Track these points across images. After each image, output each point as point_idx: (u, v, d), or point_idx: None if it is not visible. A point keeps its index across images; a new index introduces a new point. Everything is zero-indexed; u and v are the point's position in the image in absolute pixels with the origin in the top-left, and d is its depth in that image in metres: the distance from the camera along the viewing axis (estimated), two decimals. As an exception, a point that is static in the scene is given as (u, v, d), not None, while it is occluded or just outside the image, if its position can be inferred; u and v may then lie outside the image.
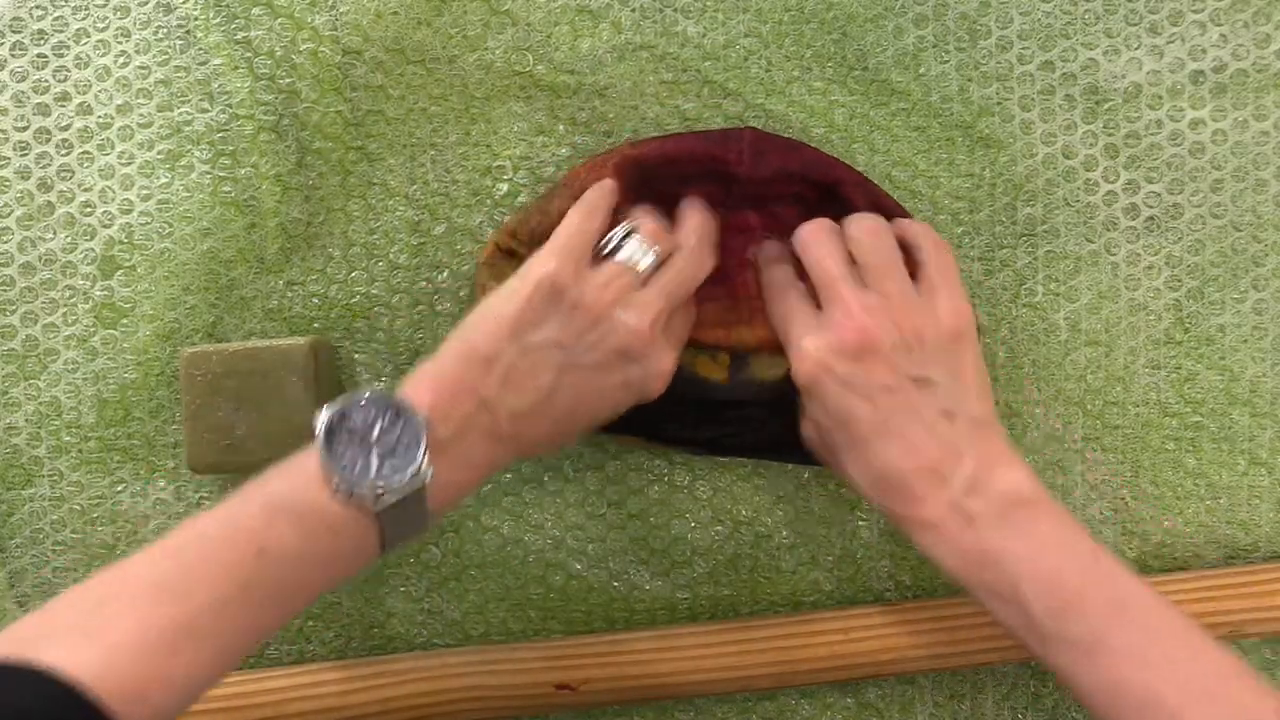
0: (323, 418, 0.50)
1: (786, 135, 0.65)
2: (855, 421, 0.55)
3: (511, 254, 0.63)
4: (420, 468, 0.50)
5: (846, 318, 0.56)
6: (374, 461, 0.50)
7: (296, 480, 0.50)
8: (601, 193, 0.60)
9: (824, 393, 0.56)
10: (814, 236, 0.60)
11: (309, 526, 0.49)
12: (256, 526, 0.49)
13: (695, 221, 0.60)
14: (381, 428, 0.51)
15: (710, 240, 0.61)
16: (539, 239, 0.62)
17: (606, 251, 0.58)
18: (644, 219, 0.59)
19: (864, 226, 0.60)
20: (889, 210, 0.63)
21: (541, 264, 0.56)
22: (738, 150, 0.62)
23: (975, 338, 0.58)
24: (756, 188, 0.63)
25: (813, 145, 0.65)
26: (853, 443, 0.56)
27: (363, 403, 0.51)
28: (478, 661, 0.65)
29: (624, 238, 0.58)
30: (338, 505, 0.50)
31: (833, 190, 0.63)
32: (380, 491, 0.50)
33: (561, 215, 0.61)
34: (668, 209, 0.63)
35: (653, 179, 0.62)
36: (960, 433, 0.55)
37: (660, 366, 0.57)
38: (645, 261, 0.57)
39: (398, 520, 0.51)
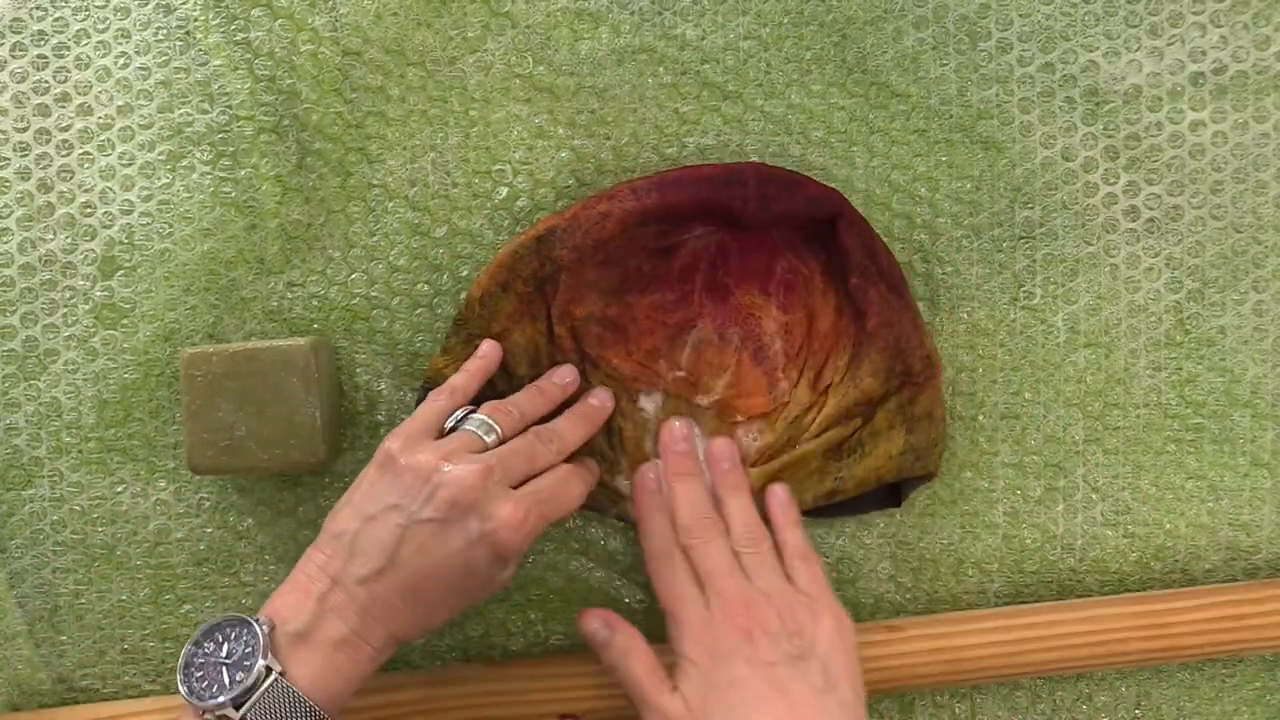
0: (181, 658, 0.55)
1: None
2: (739, 686, 0.57)
3: (506, 288, 0.63)
4: (262, 665, 0.53)
5: (734, 608, 0.59)
6: (224, 677, 0.53)
7: None
8: (471, 372, 0.61)
9: (709, 667, 0.58)
10: (696, 524, 0.62)
11: None
12: None
13: (560, 423, 0.61)
14: (229, 646, 0.54)
15: (564, 438, 0.61)
16: (539, 283, 0.63)
17: (453, 426, 0.59)
18: (488, 404, 0.60)
19: (742, 521, 0.62)
20: (878, 254, 0.64)
21: (382, 443, 0.58)
22: (743, 196, 0.62)
23: (854, 643, 0.60)
24: (759, 228, 0.64)
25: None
26: (732, 707, 0.57)
27: (212, 629, 0.55)
28: (480, 692, 0.64)
29: (465, 416, 0.59)
30: None
31: (831, 222, 0.63)
32: (237, 701, 0.53)
33: (560, 265, 0.62)
34: (665, 245, 0.64)
35: (655, 223, 0.63)
36: (833, 711, 0.57)
37: (500, 514, 0.55)
38: (488, 438, 0.58)
39: None
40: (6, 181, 0.65)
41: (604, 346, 0.64)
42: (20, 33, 0.65)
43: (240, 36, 0.64)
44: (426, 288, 0.66)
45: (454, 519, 0.55)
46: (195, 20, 0.65)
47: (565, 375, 0.63)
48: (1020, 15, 0.66)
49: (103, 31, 0.65)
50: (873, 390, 0.63)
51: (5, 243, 0.65)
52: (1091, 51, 0.66)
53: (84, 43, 0.65)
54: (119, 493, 0.66)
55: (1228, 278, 0.67)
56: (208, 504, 0.66)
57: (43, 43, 0.65)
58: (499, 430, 0.59)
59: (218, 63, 0.65)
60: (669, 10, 0.66)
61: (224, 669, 0.54)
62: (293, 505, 0.66)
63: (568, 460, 0.61)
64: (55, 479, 0.66)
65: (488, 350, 0.62)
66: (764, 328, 0.65)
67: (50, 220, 0.65)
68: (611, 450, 0.65)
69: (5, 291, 0.65)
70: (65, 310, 0.66)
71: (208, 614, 0.67)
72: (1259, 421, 0.67)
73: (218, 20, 0.64)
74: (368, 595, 0.55)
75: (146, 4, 0.65)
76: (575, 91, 0.66)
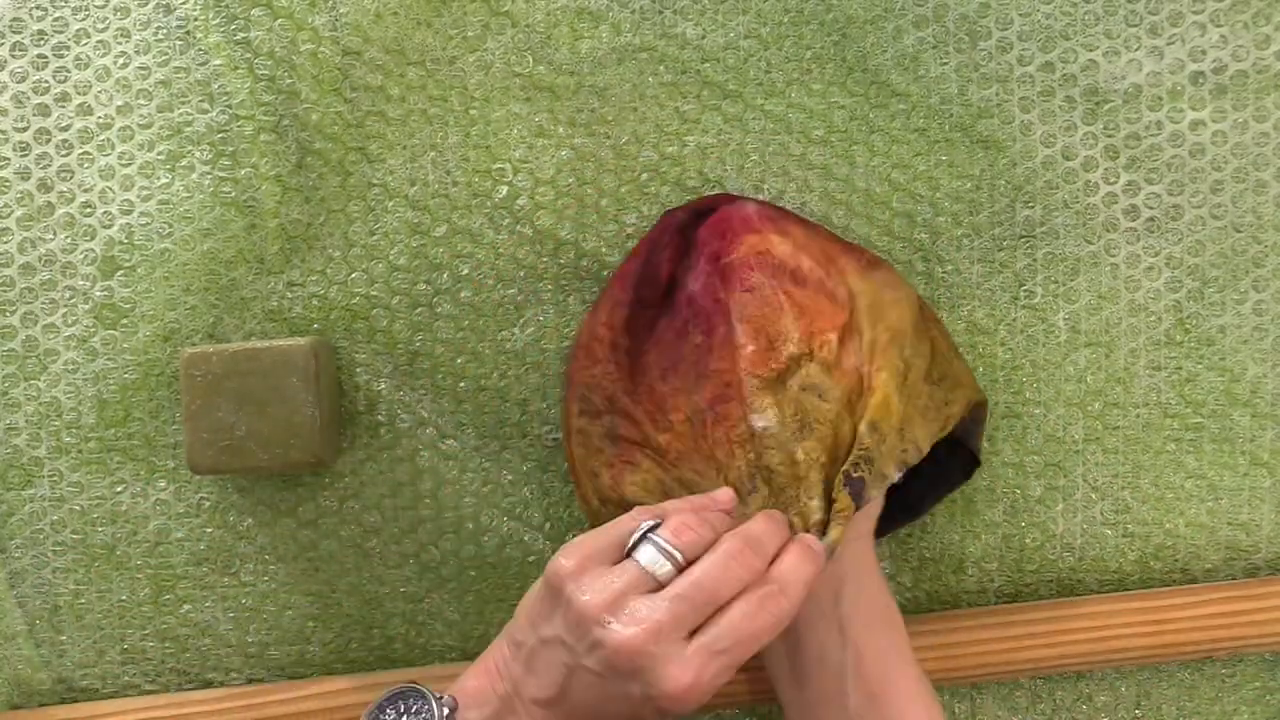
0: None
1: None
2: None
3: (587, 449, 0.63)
4: None
5: None
6: None
7: None
8: (690, 505, 0.55)
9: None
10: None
11: None
12: None
13: (754, 525, 0.54)
14: (408, 718, 0.53)
15: (763, 544, 0.53)
16: (611, 432, 0.61)
17: (629, 550, 0.52)
18: (674, 513, 0.53)
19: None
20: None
21: (555, 556, 0.53)
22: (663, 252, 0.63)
23: None
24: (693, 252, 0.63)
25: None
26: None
27: (395, 696, 0.54)
28: None
29: (644, 535, 0.52)
30: None
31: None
32: None
33: (615, 409, 0.61)
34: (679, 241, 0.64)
35: (632, 317, 0.63)
36: None
37: (664, 686, 0.49)
38: (663, 569, 0.51)
39: None
40: (6, 181, 0.65)
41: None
42: (20, 33, 0.65)
43: (240, 36, 0.64)
44: (426, 287, 0.66)
45: (615, 678, 0.50)
46: (195, 20, 0.65)
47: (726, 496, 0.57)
48: (1020, 14, 0.66)
49: (102, 31, 0.65)
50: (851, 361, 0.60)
51: (5, 243, 0.65)
52: (1091, 51, 0.66)
53: (84, 42, 0.65)
54: (119, 493, 0.66)
55: (1228, 277, 0.67)
56: (208, 504, 0.66)
57: (43, 43, 0.65)
58: (679, 557, 0.51)
59: (218, 63, 0.65)
60: (669, 9, 0.66)
61: None
62: (293, 505, 0.66)
63: None
64: (55, 479, 0.66)
65: (723, 496, 0.56)
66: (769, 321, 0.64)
67: (50, 220, 0.65)
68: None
69: (5, 291, 0.65)
70: (65, 310, 0.65)
71: (208, 614, 0.67)
72: (1259, 421, 0.67)
73: (218, 20, 0.64)
74: (543, 716, 0.52)
75: (146, 4, 0.65)
76: (575, 90, 0.66)
